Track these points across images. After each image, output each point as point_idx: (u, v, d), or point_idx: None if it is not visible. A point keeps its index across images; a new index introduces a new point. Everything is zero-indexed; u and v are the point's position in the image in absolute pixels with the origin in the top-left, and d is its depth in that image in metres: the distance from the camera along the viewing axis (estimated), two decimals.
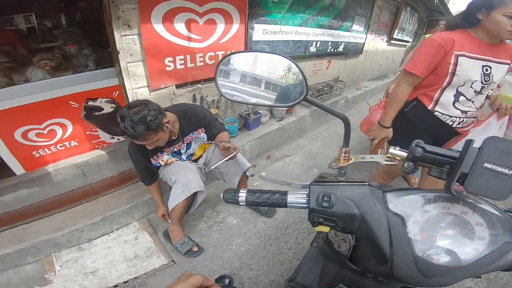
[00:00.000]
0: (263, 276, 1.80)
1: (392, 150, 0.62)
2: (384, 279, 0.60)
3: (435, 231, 0.50)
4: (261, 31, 2.73)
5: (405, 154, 0.60)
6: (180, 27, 2.11)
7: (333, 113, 0.65)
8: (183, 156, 1.89)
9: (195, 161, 1.98)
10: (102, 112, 2.22)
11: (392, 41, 5.89)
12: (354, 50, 4.70)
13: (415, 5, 6.09)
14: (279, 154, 3.16)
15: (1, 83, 2.07)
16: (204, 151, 1.99)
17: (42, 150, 2.17)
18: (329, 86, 4.17)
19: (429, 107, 1.56)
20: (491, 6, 1.28)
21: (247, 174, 2.01)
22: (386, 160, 0.64)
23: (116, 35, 1.86)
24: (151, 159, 1.80)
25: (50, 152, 2.21)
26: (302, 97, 0.63)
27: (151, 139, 1.51)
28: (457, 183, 0.49)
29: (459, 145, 1.51)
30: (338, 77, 4.62)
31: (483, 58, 1.39)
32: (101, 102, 2.19)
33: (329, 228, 0.57)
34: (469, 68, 1.38)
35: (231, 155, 1.63)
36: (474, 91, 1.44)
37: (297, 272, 0.89)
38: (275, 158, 3.09)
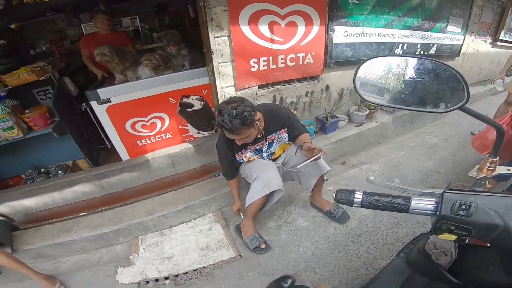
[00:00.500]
0: (326, 281, 1.74)
1: None
2: None
3: None
4: (342, 33, 2.69)
5: None
6: (264, 29, 2.24)
7: (489, 122, 0.63)
8: (264, 155, 1.94)
9: (274, 160, 2.02)
10: (193, 108, 2.49)
11: (498, 43, 5.13)
12: (449, 53, 4.23)
13: None
14: (355, 160, 3.02)
15: (118, 80, 2.50)
16: (284, 151, 2.01)
17: (144, 140, 2.54)
18: None
19: None
20: None
21: (325, 178, 1.98)
22: None
23: (210, 36, 2.07)
24: (236, 155, 1.88)
25: (150, 142, 2.57)
26: (461, 103, 0.60)
27: (244, 133, 1.57)
28: None
29: None
30: None
31: None
32: (192, 99, 2.47)
33: (455, 237, 0.56)
34: None
35: (316, 156, 1.61)
36: None
37: (374, 281, 0.87)
38: (351, 164, 2.95)
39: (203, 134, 2.73)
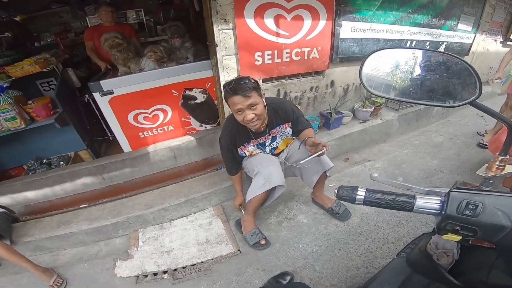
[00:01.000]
0: (325, 279, 1.72)
1: None
2: None
3: None
4: (349, 29, 2.65)
5: None
6: (269, 22, 2.20)
7: (501, 118, 0.61)
8: (267, 149, 1.92)
9: (277, 155, 2.00)
10: (195, 101, 2.48)
11: (509, 42, 5.04)
12: (458, 51, 4.14)
13: None
14: (358, 157, 2.98)
15: (121, 72, 2.49)
16: (287, 146, 1.99)
17: (146, 132, 2.53)
18: None
19: None
20: None
21: (327, 174, 1.95)
22: None
23: (215, 29, 2.04)
24: (238, 149, 1.85)
25: (152, 134, 2.56)
26: (473, 97, 0.58)
27: (253, 96, 1.51)
28: None
29: None
30: None
31: None
32: (195, 92, 2.45)
33: (459, 237, 0.55)
34: None
35: (320, 152, 1.58)
36: None
37: (373, 280, 0.86)
38: (354, 161, 2.92)
39: (206, 127, 2.72)
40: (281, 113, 1.81)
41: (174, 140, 2.62)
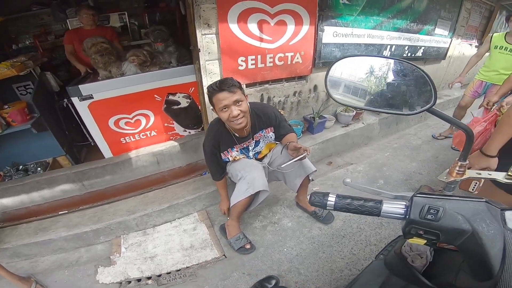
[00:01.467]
0: (310, 282, 1.74)
1: None
2: None
3: None
4: (331, 34, 2.69)
5: None
6: (253, 27, 2.21)
7: (458, 125, 0.63)
8: (250, 154, 1.93)
9: (260, 160, 2.01)
10: (179, 106, 2.45)
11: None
12: (435, 55, 4.30)
13: (510, 8, 5.29)
14: (341, 161, 3.04)
15: (102, 76, 2.43)
16: (270, 151, 2.00)
17: (128, 137, 2.49)
18: None
19: None
20: None
21: (310, 178, 1.98)
22: (506, 178, 0.62)
23: (198, 33, 2.03)
24: (222, 154, 1.86)
25: (134, 139, 2.52)
26: (428, 105, 0.60)
27: (237, 93, 1.54)
28: None
29: None
30: None
31: None
32: (179, 97, 2.42)
33: (424, 241, 0.56)
34: None
35: (301, 156, 1.60)
36: None
37: (354, 282, 0.87)
38: (337, 165, 2.97)
39: (190, 132, 2.69)
40: (263, 117, 1.82)
41: (157, 146, 2.59)
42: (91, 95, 2.22)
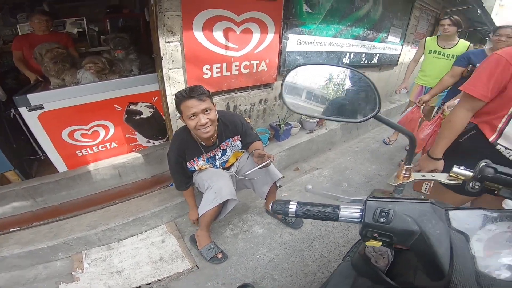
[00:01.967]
0: (285, 287, 1.77)
1: (456, 169, 0.63)
2: None
3: (500, 249, 0.51)
4: (295, 42, 2.75)
5: (470, 174, 0.61)
6: (219, 35, 2.18)
7: (402, 131, 0.66)
8: (217, 163, 1.91)
9: (227, 169, 2.00)
10: (141, 116, 2.33)
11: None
12: (389, 62, 4.60)
13: (454, 15, 5.82)
14: (307, 166, 3.12)
15: (54, 84, 2.24)
16: (237, 159, 2.00)
17: (85, 149, 2.31)
18: None
19: (491, 139, 1.27)
20: None
21: (277, 185, 2.00)
22: (448, 179, 0.65)
23: (161, 41, 1.95)
24: (187, 163, 1.83)
25: (92, 152, 2.34)
26: (373, 113, 0.62)
27: (206, 102, 1.54)
28: None
29: None
30: None
31: None
32: (141, 107, 2.30)
33: (380, 243, 0.58)
34: None
35: (265, 163, 1.63)
36: None
37: (326, 285, 0.88)
38: (304, 170, 3.05)
39: (154, 143, 2.58)
40: (230, 126, 1.83)
41: (119, 158, 2.43)
42: (42, 105, 2.02)
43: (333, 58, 3.33)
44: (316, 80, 0.69)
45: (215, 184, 1.75)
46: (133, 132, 2.42)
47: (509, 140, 1.23)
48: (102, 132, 2.30)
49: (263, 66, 2.58)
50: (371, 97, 0.62)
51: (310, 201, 0.66)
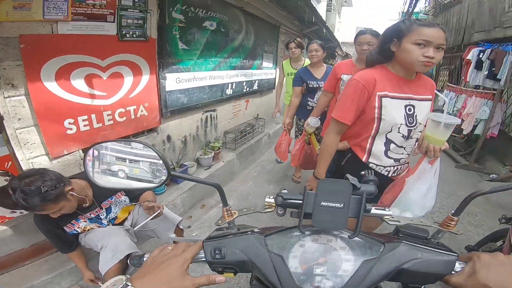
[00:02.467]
0: None
1: (267, 199, 0.71)
2: None
3: (312, 261, 0.59)
4: (174, 80, 2.65)
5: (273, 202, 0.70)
6: (80, 83, 1.89)
7: (204, 183, 0.70)
8: (104, 221, 1.75)
9: (121, 224, 1.85)
10: None
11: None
12: (267, 86, 5.01)
13: (311, 36, 6.96)
14: (213, 201, 3.05)
15: None
16: (129, 213, 1.87)
17: None
18: (251, 125, 4.30)
19: (363, 159, 1.43)
20: (401, 34, 1.20)
21: (181, 227, 1.93)
22: (265, 209, 0.72)
23: None
24: (65, 227, 1.63)
25: None
26: (166, 177, 0.65)
27: (51, 209, 1.37)
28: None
29: (400, 197, 1.41)
30: (258, 114, 4.79)
31: (404, 96, 1.30)
32: None
33: (232, 274, 0.63)
34: (393, 110, 1.29)
35: (155, 214, 1.62)
36: (403, 136, 1.33)
37: None
38: (210, 205, 2.97)
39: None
40: None
41: None
42: None
43: (216, 91, 3.39)
44: (121, 156, 0.71)
45: (109, 242, 1.62)
46: None
47: (377, 158, 1.41)
48: None
49: (142, 111, 2.37)
50: (160, 163, 0.66)
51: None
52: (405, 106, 1.30)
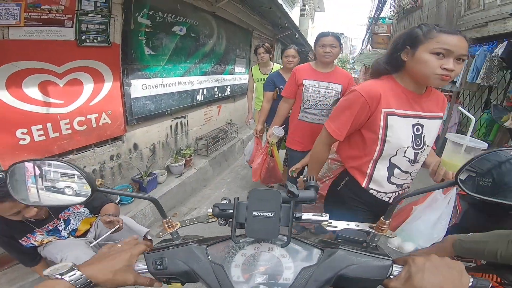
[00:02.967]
0: None
1: (209, 209, 0.71)
2: None
3: (253, 270, 0.59)
4: (140, 87, 2.56)
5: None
6: (33, 91, 1.78)
7: (139, 197, 0.69)
8: (64, 233, 1.69)
9: (83, 236, 1.78)
10: None
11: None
12: (240, 92, 4.98)
13: (284, 41, 7.02)
14: (185, 209, 2.97)
15: None
16: (91, 225, 1.80)
17: None
18: (223, 131, 4.25)
19: (363, 185, 1.25)
20: (416, 41, 1.03)
21: (148, 237, 1.87)
22: (207, 220, 0.72)
23: None
24: (20, 241, 1.57)
25: None
26: (90, 194, 0.61)
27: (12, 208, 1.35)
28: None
29: (405, 225, 1.33)
30: (231, 120, 4.74)
31: (413, 114, 1.12)
32: None
33: (179, 284, 0.62)
34: (399, 130, 1.11)
35: (114, 228, 1.57)
36: (409, 160, 1.16)
37: None
38: (182, 213, 2.88)
39: None
40: None
41: None
42: None
43: (186, 97, 3.32)
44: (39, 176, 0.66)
45: (69, 254, 1.57)
46: None
47: (379, 184, 1.23)
48: None
49: (105, 119, 2.27)
50: (80, 179, 0.61)
51: None
52: (413, 126, 1.13)
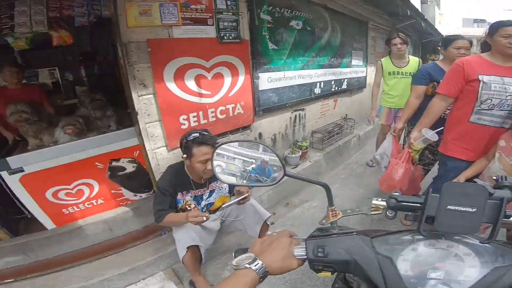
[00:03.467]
0: None
1: (374, 201, 0.72)
2: None
3: (426, 266, 0.57)
4: (266, 80, 2.83)
5: (385, 204, 0.70)
6: (191, 83, 2.20)
7: (314, 182, 0.76)
8: (202, 203, 1.94)
9: (214, 212, 2.01)
10: (125, 171, 2.32)
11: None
12: (357, 85, 4.78)
13: (406, 31, 6.25)
14: (297, 200, 3.13)
15: (32, 145, 2.21)
16: (223, 203, 1.98)
17: (71, 207, 2.28)
18: (339, 126, 4.17)
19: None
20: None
21: (268, 223, 2.04)
22: (371, 211, 0.73)
23: (134, 95, 1.96)
24: (179, 193, 1.86)
25: (79, 209, 2.31)
26: (282, 176, 0.74)
27: (208, 153, 1.64)
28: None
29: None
30: (346, 115, 4.62)
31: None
32: (123, 163, 2.29)
33: (329, 273, 0.64)
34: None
35: (242, 196, 1.73)
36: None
37: None
38: (294, 204, 3.05)
39: (141, 196, 2.54)
40: None
41: (107, 213, 2.41)
42: (22, 168, 2.00)
43: (305, 90, 3.45)
44: (235, 157, 0.86)
45: (176, 234, 1.85)
46: (118, 188, 2.40)
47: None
48: (86, 191, 2.28)
49: (239, 109, 2.63)
50: (276, 164, 0.76)
51: None
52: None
